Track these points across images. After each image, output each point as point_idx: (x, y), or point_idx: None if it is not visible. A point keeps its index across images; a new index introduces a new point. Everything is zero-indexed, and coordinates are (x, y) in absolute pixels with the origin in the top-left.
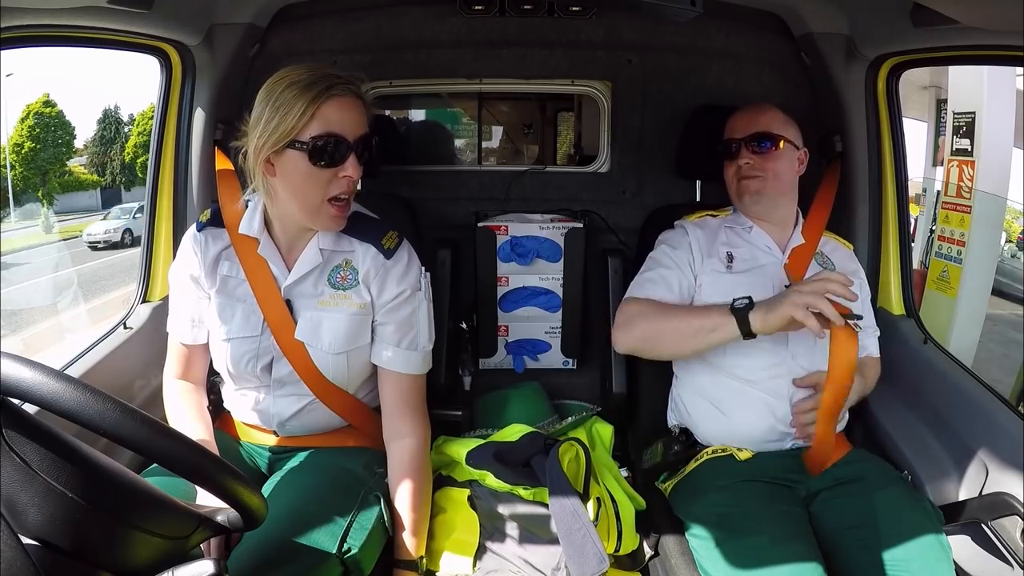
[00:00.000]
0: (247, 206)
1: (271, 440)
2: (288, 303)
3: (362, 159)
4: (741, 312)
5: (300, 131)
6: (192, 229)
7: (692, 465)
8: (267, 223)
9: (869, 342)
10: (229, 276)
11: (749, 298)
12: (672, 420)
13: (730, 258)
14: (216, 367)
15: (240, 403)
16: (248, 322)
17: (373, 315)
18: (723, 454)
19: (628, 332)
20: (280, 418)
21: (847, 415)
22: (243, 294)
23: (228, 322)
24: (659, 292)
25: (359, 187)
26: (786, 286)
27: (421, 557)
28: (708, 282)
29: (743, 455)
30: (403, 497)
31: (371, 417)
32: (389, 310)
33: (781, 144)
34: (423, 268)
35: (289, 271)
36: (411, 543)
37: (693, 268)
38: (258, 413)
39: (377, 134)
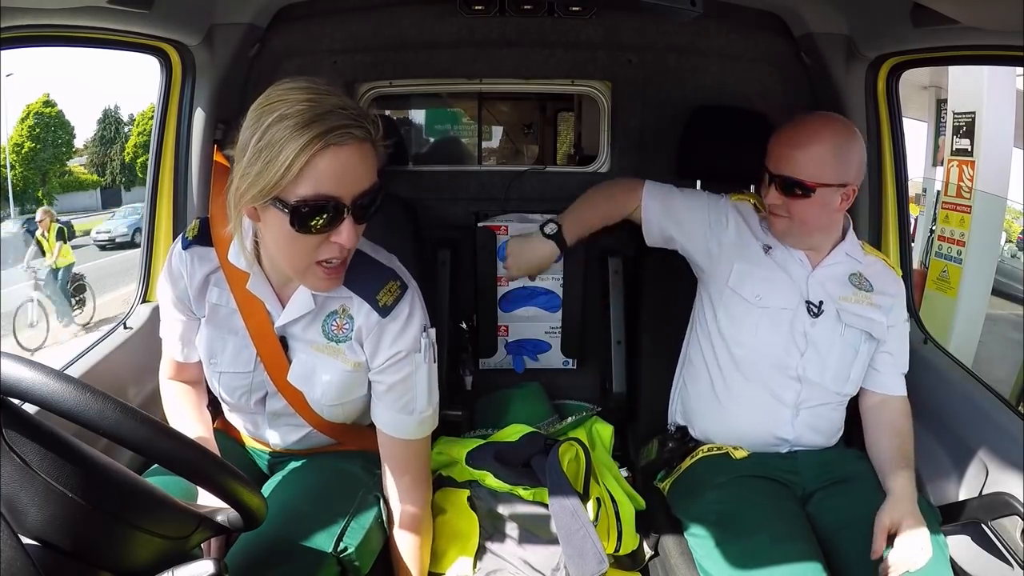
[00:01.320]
0: None
1: (270, 448)
2: (283, 339)
3: (363, 218)
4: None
5: (284, 189)
6: (177, 245)
7: (688, 463)
8: (258, 255)
9: (893, 381)
10: (219, 304)
11: (559, 227)
12: (672, 415)
13: (767, 249)
14: (214, 393)
15: (239, 423)
16: (239, 357)
17: (368, 370)
18: (719, 452)
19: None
20: (278, 443)
21: (844, 414)
22: (234, 326)
23: (219, 355)
24: (660, 195)
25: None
26: (808, 301)
27: None
28: (740, 270)
29: (739, 454)
30: (400, 562)
31: (369, 433)
32: (383, 370)
33: (813, 192)
34: (426, 325)
35: (283, 307)
36: None
37: (707, 235)
38: (256, 436)
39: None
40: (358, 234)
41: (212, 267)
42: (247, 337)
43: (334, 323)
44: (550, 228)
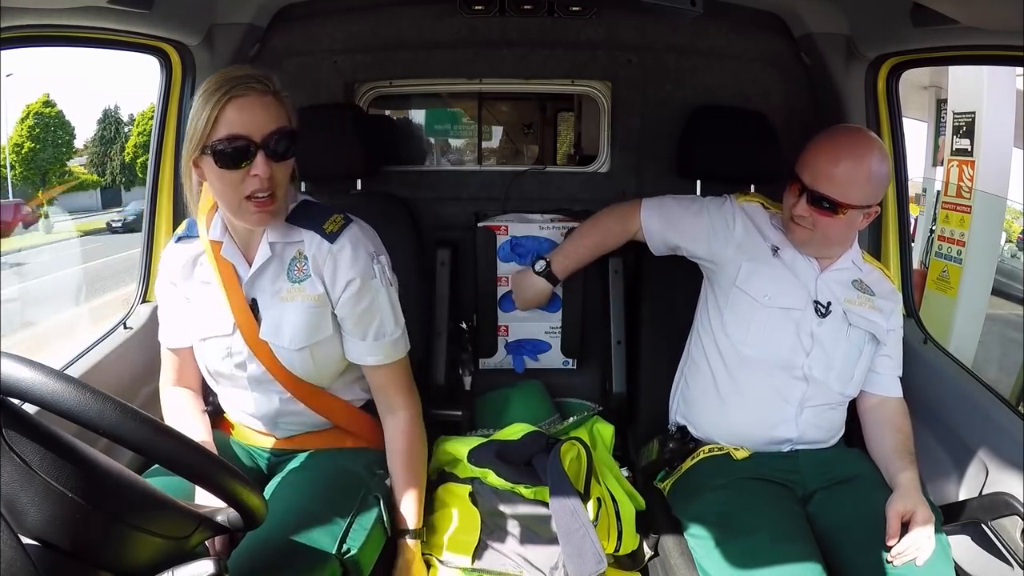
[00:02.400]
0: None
1: (270, 442)
2: (254, 302)
3: (276, 155)
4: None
5: (208, 136)
6: (171, 242)
7: (688, 463)
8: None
9: (892, 383)
10: (205, 281)
11: (547, 264)
12: (673, 415)
13: (775, 250)
14: (202, 370)
15: (230, 403)
16: (220, 321)
17: (332, 306)
18: (720, 452)
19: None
20: (267, 416)
21: (845, 414)
22: (215, 298)
23: (203, 322)
24: (657, 219)
25: (357, 186)
26: (816, 301)
27: (422, 528)
28: (748, 269)
29: (740, 455)
30: (399, 472)
31: (362, 417)
32: (344, 303)
33: (843, 213)
34: (375, 253)
35: (250, 267)
36: (411, 516)
37: (710, 239)
38: (247, 413)
39: (372, 129)
40: (277, 172)
41: (199, 251)
42: (227, 304)
43: (296, 267)
44: (539, 265)
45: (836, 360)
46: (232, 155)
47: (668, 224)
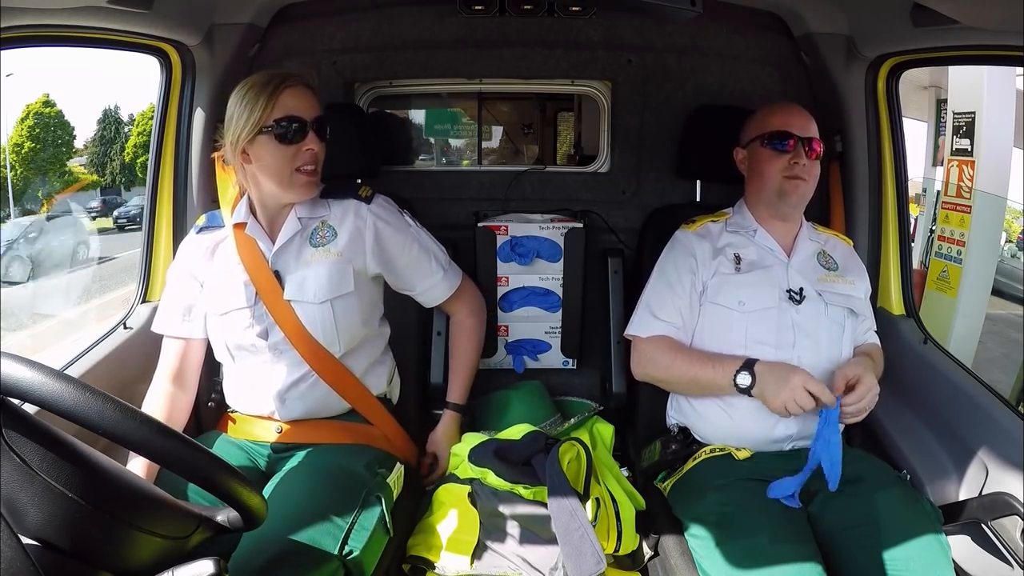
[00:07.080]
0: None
1: (272, 435)
2: (277, 274)
3: (320, 135)
4: (743, 391)
5: (266, 119)
6: (192, 233)
7: (690, 464)
8: (252, 210)
9: (869, 336)
10: (225, 262)
11: (751, 377)
12: (672, 419)
13: (738, 259)
14: (217, 351)
15: (242, 383)
16: (242, 295)
17: (365, 262)
18: (721, 453)
19: (643, 370)
20: (279, 390)
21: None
22: (238, 274)
23: (224, 298)
24: (668, 329)
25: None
26: (788, 290)
27: (464, 404)
28: (715, 284)
29: (741, 455)
30: (453, 358)
31: (373, 403)
32: (398, 255)
33: (817, 147)
34: (402, 210)
35: (274, 244)
36: (455, 392)
37: (697, 283)
38: (259, 390)
39: (372, 129)
40: (319, 150)
41: (219, 239)
42: (248, 279)
43: (318, 235)
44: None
45: (822, 341)
46: (290, 133)
47: (675, 326)
